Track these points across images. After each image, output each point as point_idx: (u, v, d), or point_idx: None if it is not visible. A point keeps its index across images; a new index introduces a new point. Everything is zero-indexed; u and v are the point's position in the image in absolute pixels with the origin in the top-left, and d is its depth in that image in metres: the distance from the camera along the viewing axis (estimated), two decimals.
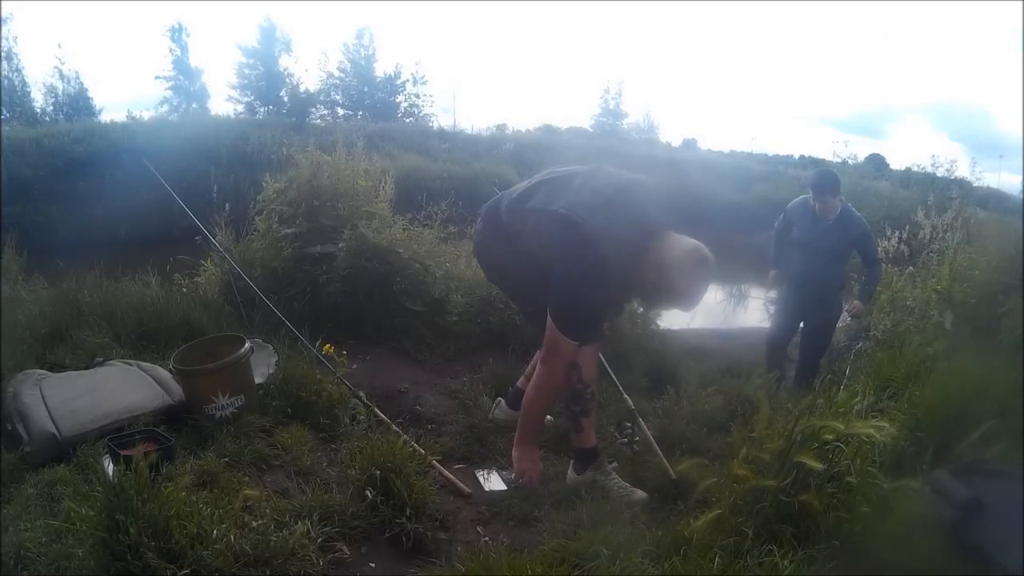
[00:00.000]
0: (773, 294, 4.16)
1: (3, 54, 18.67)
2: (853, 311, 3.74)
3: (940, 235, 3.69)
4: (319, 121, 19.09)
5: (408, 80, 27.33)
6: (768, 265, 4.08)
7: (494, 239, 2.43)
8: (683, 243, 2.06)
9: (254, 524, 1.71)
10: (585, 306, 2.10)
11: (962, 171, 16.87)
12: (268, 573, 1.58)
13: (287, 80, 23.22)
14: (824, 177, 3.77)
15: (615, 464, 2.33)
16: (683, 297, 2.08)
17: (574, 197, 2.10)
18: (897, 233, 4.23)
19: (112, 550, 1.45)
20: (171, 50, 24.95)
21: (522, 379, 2.76)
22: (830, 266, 3.67)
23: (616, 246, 2.00)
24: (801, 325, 3.88)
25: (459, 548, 1.90)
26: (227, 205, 3.74)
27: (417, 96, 27.50)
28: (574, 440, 2.30)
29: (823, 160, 18.98)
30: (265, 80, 24.67)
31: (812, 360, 3.81)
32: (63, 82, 20.35)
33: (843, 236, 3.65)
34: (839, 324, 4.04)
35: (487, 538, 1.99)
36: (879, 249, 3.74)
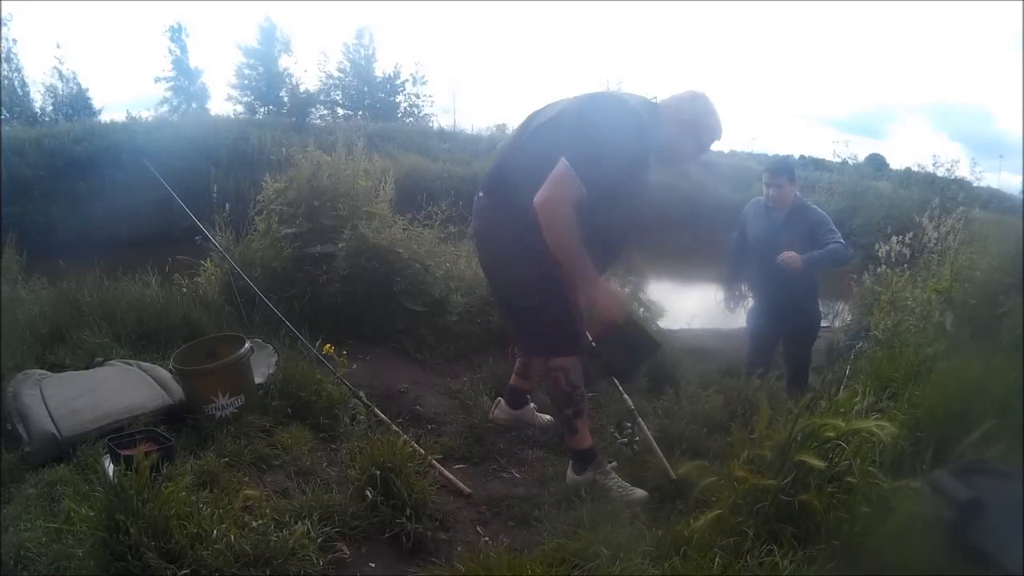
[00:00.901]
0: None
1: (3, 55, 18.68)
2: (785, 260, 3.21)
3: (945, 238, 3.64)
4: (319, 121, 19.08)
5: (408, 80, 27.34)
6: (722, 283, 3.84)
7: (503, 215, 2.21)
8: (676, 96, 2.22)
9: (254, 524, 1.71)
10: (611, 160, 2.00)
11: (962, 171, 16.86)
12: (268, 573, 1.58)
13: (287, 80, 23.24)
14: (779, 161, 3.73)
15: (614, 464, 2.34)
16: (717, 129, 2.22)
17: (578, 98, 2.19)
18: (901, 237, 4.20)
19: (112, 550, 1.45)
20: (171, 50, 24.97)
21: (514, 378, 2.75)
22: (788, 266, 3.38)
23: (643, 114, 2.11)
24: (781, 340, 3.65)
25: (459, 548, 1.90)
26: (227, 205, 3.75)
27: (417, 96, 27.49)
28: (569, 442, 2.30)
29: (823, 160, 18.98)
30: (265, 80, 24.67)
31: (799, 376, 3.58)
32: (62, 82, 20.37)
33: (798, 228, 3.38)
34: (825, 325, 3.89)
35: (487, 538, 1.99)
36: (839, 235, 3.35)
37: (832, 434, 1.56)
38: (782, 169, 3.52)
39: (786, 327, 3.57)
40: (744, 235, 3.65)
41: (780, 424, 1.73)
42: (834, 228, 3.42)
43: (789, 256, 3.23)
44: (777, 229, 3.42)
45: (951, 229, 3.66)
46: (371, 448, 1.99)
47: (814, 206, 3.53)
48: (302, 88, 20.09)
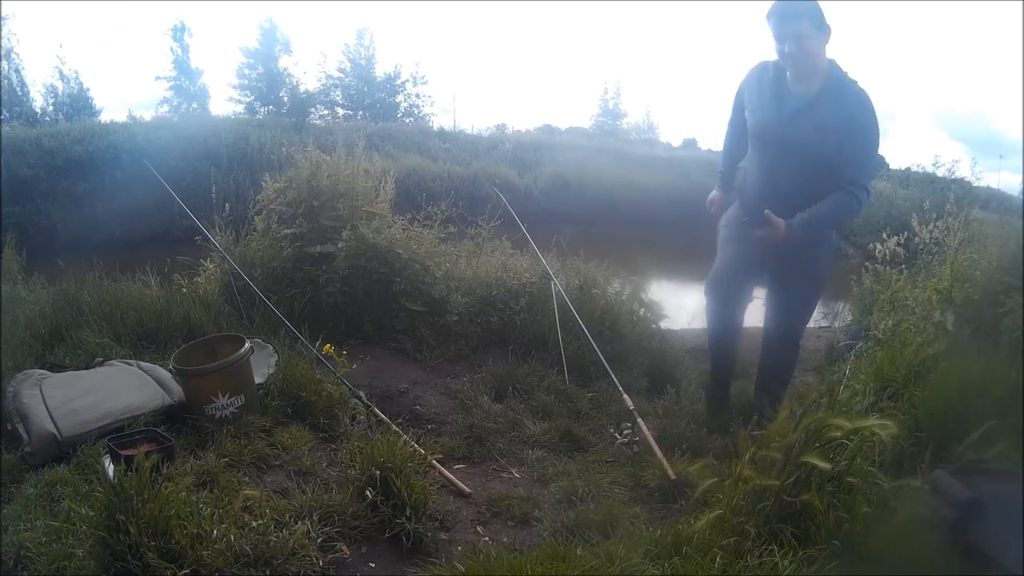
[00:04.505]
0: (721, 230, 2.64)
1: (3, 53, 18.69)
2: (767, 229, 2.21)
3: (938, 240, 3.63)
4: (319, 121, 19.13)
5: (408, 80, 27.40)
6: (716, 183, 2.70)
7: None
8: None
9: (254, 524, 1.71)
10: None
11: (962, 171, 16.91)
12: (268, 573, 1.58)
13: (287, 80, 23.28)
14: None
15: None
16: None
17: None
18: (897, 237, 4.21)
19: (112, 550, 1.45)
20: (172, 50, 25.06)
21: None
22: (806, 179, 2.22)
23: None
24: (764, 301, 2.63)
25: (459, 548, 1.90)
26: (227, 205, 3.76)
27: (417, 96, 27.58)
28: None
29: None
30: (265, 80, 24.71)
31: (777, 370, 2.57)
32: (63, 82, 20.39)
33: (826, 122, 2.14)
34: (824, 325, 3.70)
35: (487, 538, 1.99)
36: (870, 184, 2.22)
37: (838, 434, 1.56)
38: (802, 9, 2.12)
39: (775, 274, 2.51)
40: (739, 115, 2.46)
41: (779, 424, 1.73)
42: (873, 148, 2.22)
43: (775, 226, 2.19)
44: (795, 111, 2.21)
45: (947, 230, 3.64)
46: (371, 448, 1.99)
47: (860, 90, 2.20)
48: (302, 88, 20.14)
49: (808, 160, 2.23)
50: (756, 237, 2.29)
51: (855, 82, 2.23)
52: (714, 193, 2.70)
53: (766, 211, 2.23)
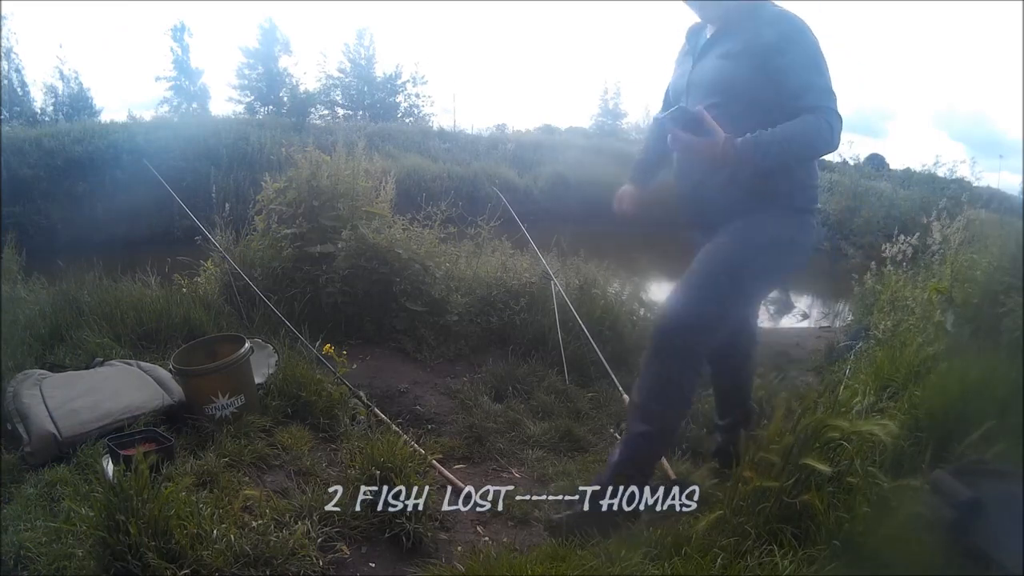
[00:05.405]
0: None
1: (3, 53, 18.69)
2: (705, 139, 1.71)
3: (948, 240, 3.62)
4: (319, 121, 19.14)
5: (408, 80, 27.41)
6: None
7: None
8: None
9: (254, 524, 1.71)
10: None
11: (963, 171, 16.87)
12: (268, 573, 1.58)
13: (287, 80, 23.29)
14: None
15: None
16: None
17: None
18: (907, 237, 4.20)
19: (112, 550, 1.45)
20: (172, 50, 25.08)
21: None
22: (726, 125, 1.71)
23: None
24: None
25: (459, 548, 1.90)
26: (227, 205, 3.76)
27: (417, 96, 27.58)
28: None
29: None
30: (265, 80, 24.72)
31: (732, 396, 2.24)
32: (63, 82, 20.40)
33: (734, 48, 1.80)
34: (824, 325, 3.74)
35: (487, 538, 1.99)
36: (836, 105, 1.80)
37: (836, 435, 1.56)
38: None
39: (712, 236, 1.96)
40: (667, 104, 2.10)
41: (778, 424, 1.73)
42: (813, 72, 1.77)
43: (703, 119, 1.71)
44: (704, 49, 1.90)
45: (956, 230, 3.63)
46: (371, 448, 1.98)
47: (786, 12, 1.81)
48: (302, 88, 20.15)
49: (720, 98, 1.81)
50: (683, 145, 1.77)
51: (782, 7, 1.83)
52: (625, 187, 2.24)
53: (698, 107, 1.74)
